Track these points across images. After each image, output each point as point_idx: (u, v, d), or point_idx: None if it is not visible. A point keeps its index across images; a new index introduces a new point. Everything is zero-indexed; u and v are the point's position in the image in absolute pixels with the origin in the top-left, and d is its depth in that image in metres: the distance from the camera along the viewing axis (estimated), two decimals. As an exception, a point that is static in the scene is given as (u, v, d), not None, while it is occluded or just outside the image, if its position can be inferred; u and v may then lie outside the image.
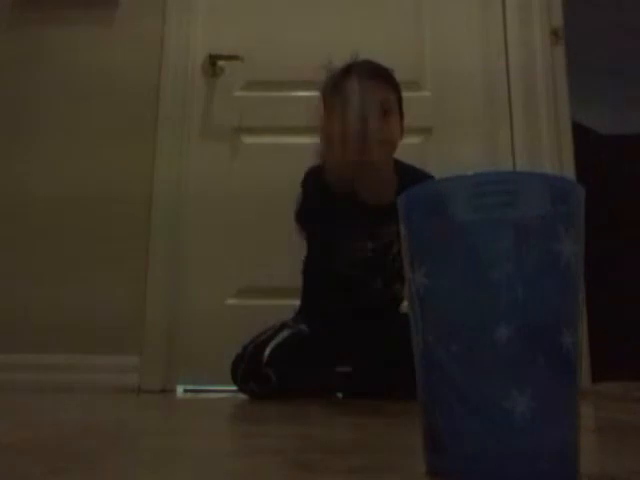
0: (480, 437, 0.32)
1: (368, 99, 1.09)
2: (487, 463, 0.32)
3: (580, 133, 1.84)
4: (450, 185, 0.34)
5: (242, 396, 1.24)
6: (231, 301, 1.65)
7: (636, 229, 2.22)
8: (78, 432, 0.57)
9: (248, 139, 1.77)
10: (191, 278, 1.67)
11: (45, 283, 1.68)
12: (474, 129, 1.75)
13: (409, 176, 1.27)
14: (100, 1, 1.85)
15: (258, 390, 1.18)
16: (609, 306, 1.85)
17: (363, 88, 1.10)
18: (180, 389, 1.59)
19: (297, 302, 1.37)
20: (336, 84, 1.25)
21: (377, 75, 1.24)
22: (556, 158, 1.70)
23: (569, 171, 1.68)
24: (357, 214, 1.21)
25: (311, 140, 1.63)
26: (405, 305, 1.24)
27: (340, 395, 1.29)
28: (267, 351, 1.19)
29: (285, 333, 1.24)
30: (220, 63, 1.80)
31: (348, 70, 1.25)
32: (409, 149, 1.54)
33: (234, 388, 1.25)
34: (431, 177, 1.31)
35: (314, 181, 1.24)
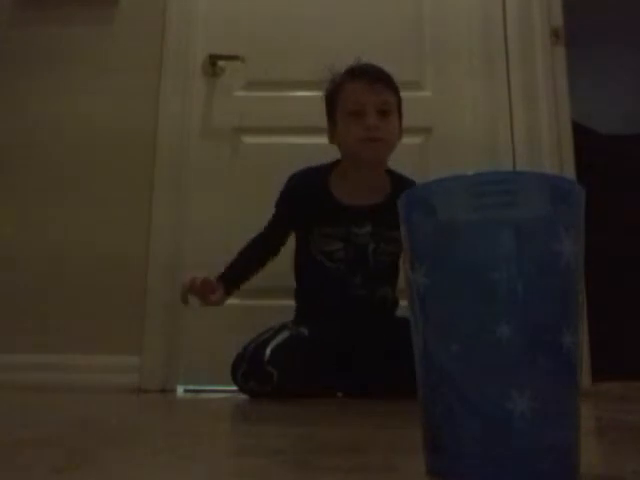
0: (480, 437, 0.32)
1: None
2: (487, 463, 0.32)
3: (580, 133, 1.84)
4: (450, 185, 0.34)
5: (242, 396, 1.24)
6: (231, 301, 1.65)
7: (636, 229, 2.22)
8: (78, 432, 0.57)
9: (248, 139, 1.77)
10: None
11: (45, 282, 1.68)
12: (474, 129, 1.75)
13: (403, 183, 1.34)
14: (100, 1, 1.85)
15: (258, 389, 1.18)
16: (609, 306, 1.85)
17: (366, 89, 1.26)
18: (180, 389, 1.59)
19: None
20: (339, 86, 1.32)
21: (378, 78, 1.29)
22: (556, 158, 1.70)
23: (569, 171, 1.68)
24: (332, 213, 1.31)
25: (311, 140, 1.64)
26: (403, 307, 1.26)
27: (340, 394, 1.29)
28: (268, 350, 1.19)
29: (285, 334, 1.25)
30: (220, 63, 1.80)
31: (351, 72, 1.31)
32: (409, 149, 1.54)
33: (234, 388, 1.25)
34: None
35: (297, 182, 1.35)
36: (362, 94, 1.27)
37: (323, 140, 1.40)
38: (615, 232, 2.13)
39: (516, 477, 0.31)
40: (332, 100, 1.33)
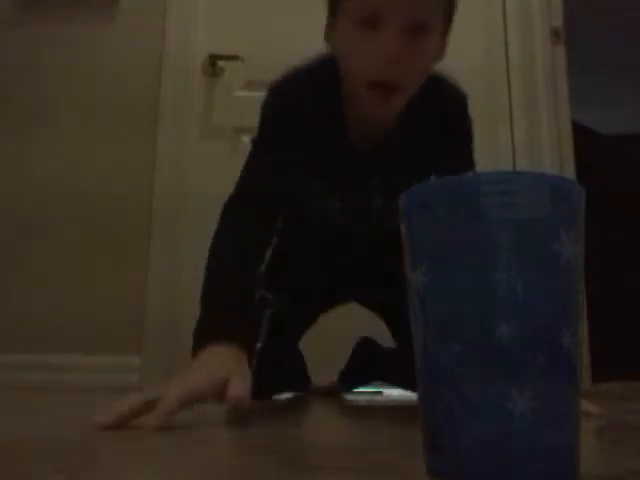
0: (480, 437, 0.32)
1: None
2: (487, 463, 0.32)
3: (580, 133, 1.84)
4: (450, 185, 0.34)
5: None
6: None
7: (636, 229, 2.22)
8: (78, 432, 0.57)
9: (248, 139, 1.77)
10: (191, 278, 1.67)
11: (45, 283, 1.68)
12: (474, 129, 1.75)
13: (425, 99, 0.86)
14: (100, 1, 1.85)
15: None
16: (609, 306, 1.85)
17: None
18: (180, 389, 1.59)
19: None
20: None
21: None
22: (556, 158, 1.70)
23: (569, 171, 1.68)
24: (341, 154, 0.90)
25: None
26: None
27: (341, 387, 1.28)
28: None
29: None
30: (220, 63, 1.80)
31: None
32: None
33: None
34: (456, 98, 0.99)
35: (284, 104, 0.89)
36: None
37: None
38: (615, 232, 2.13)
39: (516, 477, 0.31)
40: None
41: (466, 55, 1.80)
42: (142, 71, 1.80)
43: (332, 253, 1.07)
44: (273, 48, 1.80)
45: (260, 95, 1.71)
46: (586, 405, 0.75)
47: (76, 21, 1.85)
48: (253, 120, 1.78)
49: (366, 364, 1.25)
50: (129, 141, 1.76)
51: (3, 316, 1.64)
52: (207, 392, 0.61)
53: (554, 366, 0.32)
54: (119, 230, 1.71)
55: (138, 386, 1.57)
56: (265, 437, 0.58)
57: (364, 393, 1.35)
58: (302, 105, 0.87)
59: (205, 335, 0.70)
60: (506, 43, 1.78)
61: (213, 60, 1.79)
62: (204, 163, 1.75)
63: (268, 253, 0.84)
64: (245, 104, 1.77)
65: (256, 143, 0.92)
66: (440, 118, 0.92)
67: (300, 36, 1.80)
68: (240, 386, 0.60)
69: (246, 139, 1.78)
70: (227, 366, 0.64)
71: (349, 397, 1.26)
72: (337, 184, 0.95)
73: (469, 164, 0.99)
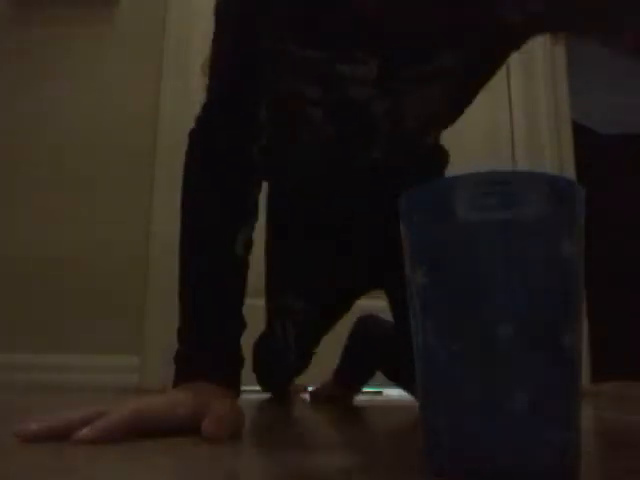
0: (480, 437, 0.32)
1: None
2: (487, 463, 0.32)
3: (580, 133, 1.84)
4: (450, 185, 0.34)
5: (248, 396, 1.23)
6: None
7: (636, 229, 2.22)
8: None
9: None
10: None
11: (45, 283, 1.68)
12: (474, 129, 1.75)
13: None
14: (100, 1, 1.85)
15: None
16: (609, 306, 1.85)
17: None
18: (180, 389, 1.59)
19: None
20: None
21: None
22: (556, 158, 1.70)
23: (569, 171, 1.68)
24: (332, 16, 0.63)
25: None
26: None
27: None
28: (292, 349, 1.04)
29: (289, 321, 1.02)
30: (220, 63, 1.80)
31: None
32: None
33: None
34: None
35: None
36: None
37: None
38: (615, 232, 2.13)
39: (516, 477, 0.31)
40: None
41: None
42: (142, 71, 1.80)
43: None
44: (273, 48, 1.80)
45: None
46: None
47: (76, 21, 1.85)
48: (253, 120, 1.79)
49: (362, 360, 1.22)
50: (129, 141, 1.76)
51: (3, 316, 1.64)
52: (165, 418, 0.50)
53: (554, 366, 0.32)
54: (119, 230, 1.71)
55: (138, 386, 1.57)
56: (264, 436, 0.58)
57: (364, 393, 1.35)
58: None
59: (186, 369, 0.62)
60: (506, 43, 1.78)
61: (213, 60, 1.79)
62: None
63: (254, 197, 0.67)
64: (245, 104, 1.77)
65: (216, 14, 0.70)
66: None
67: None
68: (215, 422, 0.49)
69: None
70: (206, 396, 0.54)
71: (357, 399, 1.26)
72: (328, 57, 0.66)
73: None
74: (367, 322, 1.22)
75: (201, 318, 0.63)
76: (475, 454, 0.32)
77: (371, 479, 0.35)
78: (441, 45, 0.64)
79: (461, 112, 0.81)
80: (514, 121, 1.73)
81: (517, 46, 0.70)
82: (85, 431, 0.43)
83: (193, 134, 0.68)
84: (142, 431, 0.46)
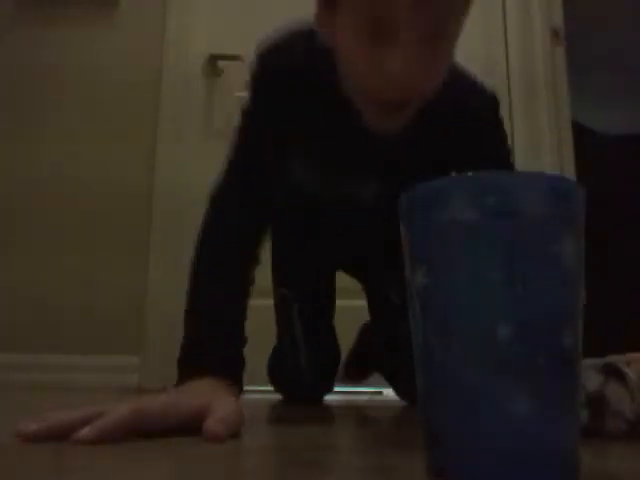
0: (480, 437, 0.32)
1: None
2: (487, 463, 0.32)
3: (580, 133, 1.84)
4: (450, 185, 0.34)
5: (248, 396, 1.23)
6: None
7: (636, 229, 2.22)
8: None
9: (248, 139, 1.77)
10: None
11: (45, 283, 1.68)
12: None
13: (444, 98, 0.70)
14: (100, 1, 1.85)
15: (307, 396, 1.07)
16: (609, 305, 1.85)
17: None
18: (180, 389, 1.59)
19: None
20: None
21: None
22: (556, 158, 1.70)
23: (569, 171, 1.68)
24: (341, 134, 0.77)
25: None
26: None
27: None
28: (302, 354, 1.07)
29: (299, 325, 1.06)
30: (220, 63, 1.80)
31: None
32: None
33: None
34: (479, 93, 0.85)
35: (288, 61, 0.77)
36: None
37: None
38: (615, 232, 2.13)
39: (516, 477, 0.31)
40: None
41: (466, 55, 1.80)
42: (142, 71, 1.80)
43: (330, 236, 1.01)
44: (273, 48, 1.80)
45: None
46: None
47: (76, 21, 1.85)
48: (253, 120, 1.79)
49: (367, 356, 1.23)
50: (129, 141, 1.76)
51: (3, 315, 1.64)
52: (165, 417, 0.50)
53: (554, 366, 0.32)
54: (119, 230, 1.71)
55: (138, 386, 1.57)
56: (265, 437, 0.58)
57: (364, 393, 1.35)
58: (298, 74, 0.75)
59: (190, 367, 0.63)
60: (506, 43, 1.78)
61: (213, 60, 1.79)
62: (204, 163, 1.75)
63: (263, 245, 0.79)
64: (245, 104, 1.77)
65: (244, 118, 0.82)
66: (466, 115, 0.79)
67: (300, 36, 1.80)
68: (216, 422, 0.49)
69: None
70: (207, 396, 0.54)
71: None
72: (338, 171, 0.83)
73: (502, 165, 0.83)
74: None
75: (207, 321, 0.68)
76: (475, 454, 0.32)
77: (371, 479, 0.35)
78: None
79: None
80: (514, 121, 1.73)
81: None
82: (85, 431, 0.44)
83: (214, 199, 0.80)
84: (142, 431, 0.47)
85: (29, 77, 1.82)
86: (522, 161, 1.70)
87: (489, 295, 0.32)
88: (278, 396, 1.16)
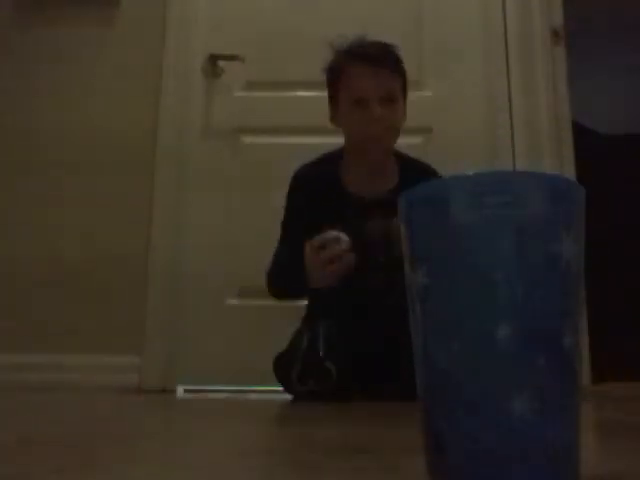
0: (480, 437, 0.32)
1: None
2: (487, 463, 0.32)
3: (580, 133, 1.84)
4: (450, 185, 0.34)
5: (249, 396, 1.24)
6: (231, 301, 1.65)
7: (636, 229, 2.22)
8: (78, 432, 0.57)
9: (248, 139, 1.77)
10: (191, 278, 1.67)
11: (45, 283, 1.68)
12: (474, 129, 1.75)
13: (412, 169, 1.28)
14: (101, 1, 1.85)
15: (319, 387, 1.11)
16: (609, 306, 1.85)
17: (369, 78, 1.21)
18: (180, 389, 1.59)
19: (297, 303, 1.36)
20: (341, 68, 1.25)
21: (382, 63, 1.22)
22: (556, 158, 1.70)
23: (569, 171, 1.68)
24: (344, 206, 1.23)
25: (311, 140, 1.64)
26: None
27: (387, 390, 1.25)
28: (320, 346, 1.14)
29: (322, 330, 1.17)
30: (220, 63, 1.80)
31: (353, 54, 1.24)
32: (409, 149, 1.54)
33: (238, 388, 1.22)
34: (433, 171, 1.32)
35: (306, 175, 1.28)
36: (365, 81, 1.21)
37: (323, 140, 1.40)
38: (615, 232, 2.13)
39: (516, 477, 0.31)
40: (334, 81, 1.28)
41: (466, 55, 1.80)
42: (142, 71, 1.80)
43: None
44: (273, 48, 1.80)
45: (260, 95, 1.71)
46: None
47: (76, 21, 1.85)
48: (253, 120, 1.79)
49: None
50: (129, 142, 1.76)
51: (3, 316, 1.64)
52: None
53: (554, 366, 0.32)
54: (119, 230, 1.71)
55: (138, 386, 1.57)
56: (266, 437, 0.58)
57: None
58: (310, 180, 1.29)
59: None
60: (506, 43, 1.78)
61: (213, 60, 1.79)
62: (204, 163, 1.75)
63: None
64: (245, 104, 1.77)
65: (283, 222, 1.31)
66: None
67: (300, 36, 1.80)
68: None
69: (246, 139, 1.78)
70: None
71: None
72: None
73: None
74: None
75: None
76: (475, 454, 0.32)
77: (371, 479, 0.35)
78: None
79: None
80: (514, 121, 1.73)
81: None
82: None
83: (268, 276, 1.29)
84: None
85: (29, 77, 1.82)
86: (522, 161, 1.70)
87: (489, 295, 0.32)
88: (278, 396, 1.16)
